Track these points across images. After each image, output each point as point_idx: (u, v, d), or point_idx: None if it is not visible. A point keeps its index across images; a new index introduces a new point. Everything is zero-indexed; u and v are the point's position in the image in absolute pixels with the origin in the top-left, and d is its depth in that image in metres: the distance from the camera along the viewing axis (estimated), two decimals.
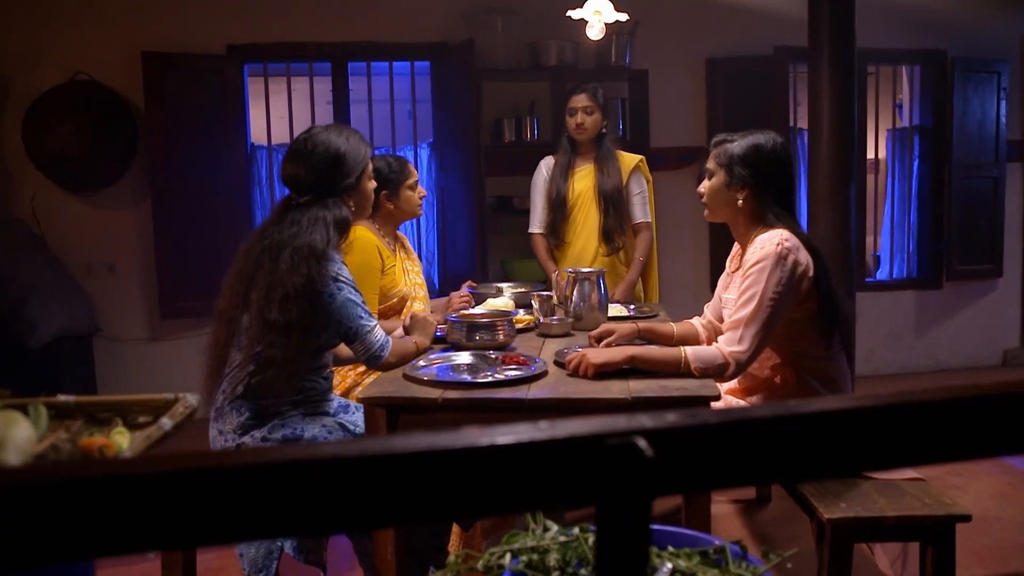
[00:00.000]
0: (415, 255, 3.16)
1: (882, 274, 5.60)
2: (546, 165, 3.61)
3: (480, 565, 1.30)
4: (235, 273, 2.14)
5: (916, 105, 5.34)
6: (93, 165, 4.44)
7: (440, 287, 4.88)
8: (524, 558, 1.29)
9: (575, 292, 2.73)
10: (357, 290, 2.14)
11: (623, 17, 2.80)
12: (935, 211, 5.28)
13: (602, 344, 2.24)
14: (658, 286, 3.69)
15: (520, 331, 2.74)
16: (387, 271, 2.83)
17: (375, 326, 2.14)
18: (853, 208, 3.49)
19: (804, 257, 2.01)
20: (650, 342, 2.37)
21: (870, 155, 5.39)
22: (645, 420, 0.66)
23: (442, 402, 1.87)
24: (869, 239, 5.68)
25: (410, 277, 2.98)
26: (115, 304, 4.66)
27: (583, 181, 3.50)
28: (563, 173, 3.52)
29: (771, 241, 2.00)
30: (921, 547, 1.94)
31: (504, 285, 3.41)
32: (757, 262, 1.99)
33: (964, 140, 5.18)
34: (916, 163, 5.33)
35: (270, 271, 2.04)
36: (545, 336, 2.64)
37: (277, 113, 4.88)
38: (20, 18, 4.47)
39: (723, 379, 2.03)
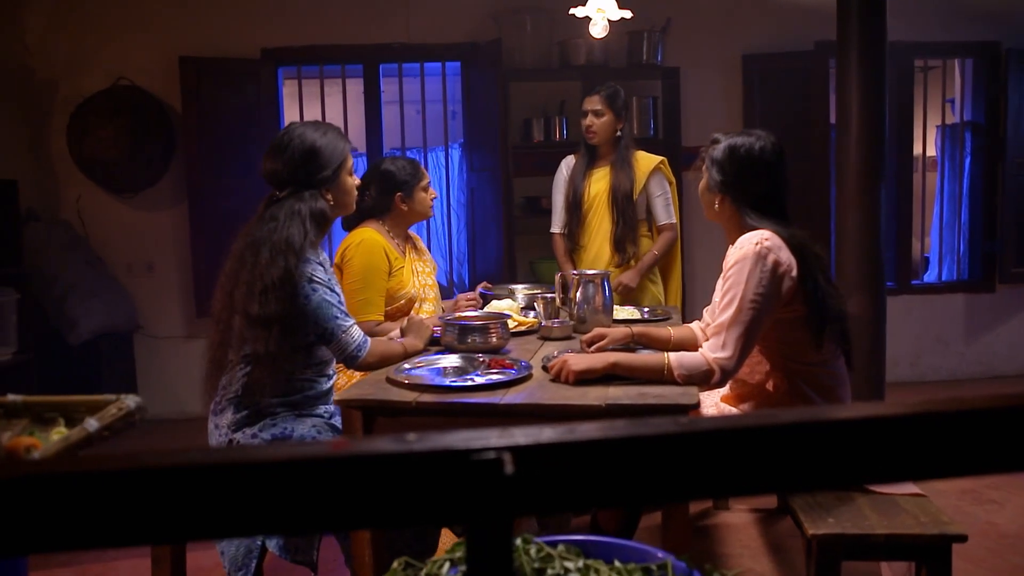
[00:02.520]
0: (428, 256, 3.16)
1: (930, 276, 5.37)
2: (566, 165, 3.58)
3: (423, 574, 1.29)
4: (224, 273, 2.18)
5: (968, 100, 5.10)
6: (132, 168, 4.58)
7: (470, 287, 4.88)
8: (464, 568, 1.27)
9: (579, 294, 2.69)
10: (333, 291, 2.15)
11: (627, 14, 2.75)
12: (988, 210, 5.03)
13: (593, 348, 2.20)
14: (680, 289, 3.61)
15: (523, 333, 2.72)
16: (395, 273, 2.84)
17: (350, 326, 2.15)
18: (884, 208, 3.34)
19: (786, 256, 1.93)
20: (646, 347, 2.32)
21: (918, 152, 5.17)
22: (519, 435, 0.63)
23: (416, 405, 1.86)
24: (917, 241, 5.46)
25: (420, 278, 2.98)
26: (154, 302, 4.80)
27: (599, 184, 3.45)
28: (581, 174, 3.48)
29: (750, 241, 1.93)
30: (916, 567, 1.84)
31: (518, 287, 3.39)
32: (735, 263, 1.93)
33: (1019, 136, 4.92)
34: (968, 160, 5.09)
35: (251, 267, 2.07)
36: (546, 339, 2.61)
37: (312, 115, 4.96)
38: (68, 26, 4.65)
39: (710, 386, 1.97)
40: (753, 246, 1.92)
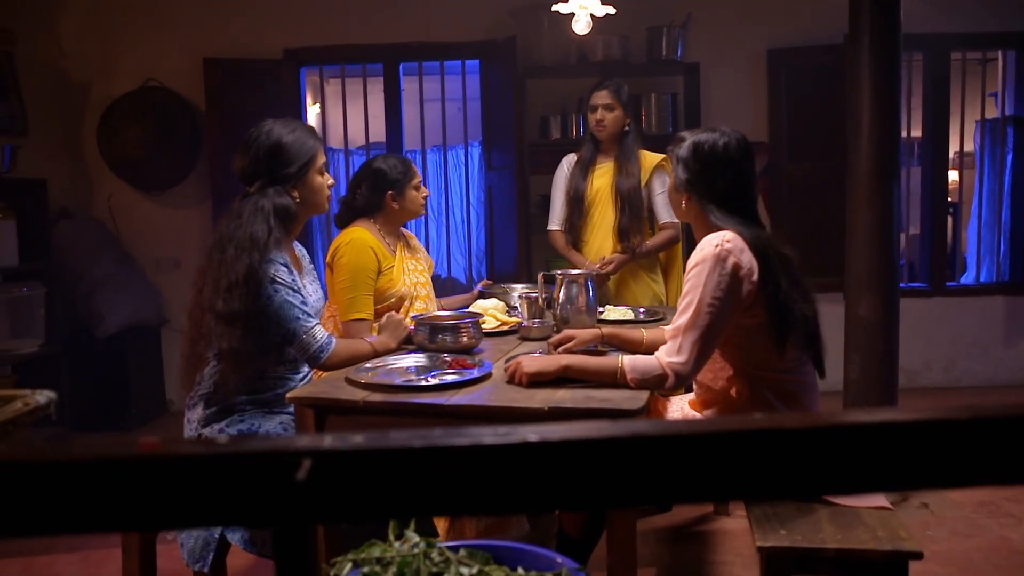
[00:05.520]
0: (422, 254, 3.17)
1: (968, 278, 5.14)
2: (568, 162, 3.55)
3: (332, 573, 1.30)
4: (198, 270, 2.23)
5: (1011, 93, 4.86)
6: (159, 166, 4.72)
7: None
8: (366, 569, 1.28)
9: (562, 294, 2.65)
10: (297, 292, 2.17)
11: (610, 10, 2.70)
12: None
13: (559, 350, 2.17)
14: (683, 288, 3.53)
15: (504, 333, 2.71)
16: (385, 271, 2.85)
17: (312, 327, 2.16)
18: (896, 207, 3.22)
19: (747, 259, 1.86)
20: (618, 348, 2.28)
21: (954, 149, 4.96)
22: (327, 440, 0.63)
23: (363, 405, 1.86)
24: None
25: (411, 277, 2.99)
26: (181, 297, 4.91)
27: (601, 179, 3.41)
28: (583, 171, 3.44)
29: (710, 243, 1.87)
30: None
31: (518, 286, 3.37)
32: (695, 265, 1.87)
33: None
34: (1010, 156, 4.85)
35: (218, 264, 2.11)
36: (525, 339, 2.59)
37: (334, 114, 5.03)
38: (100, 30, 4.81)
39: (664, 391, 1.92)
40: (713, 248, 1.87)
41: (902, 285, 4.85)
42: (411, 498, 0.65)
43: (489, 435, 0.64)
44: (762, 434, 0.61)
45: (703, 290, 1.84)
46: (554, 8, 2.79)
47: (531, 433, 0.64)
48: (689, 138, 2.03)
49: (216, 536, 2.04)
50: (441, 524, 2.59)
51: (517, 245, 4.56)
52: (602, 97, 3.35)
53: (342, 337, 2.64)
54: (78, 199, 4.84)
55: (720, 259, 1.84)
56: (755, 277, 1.86)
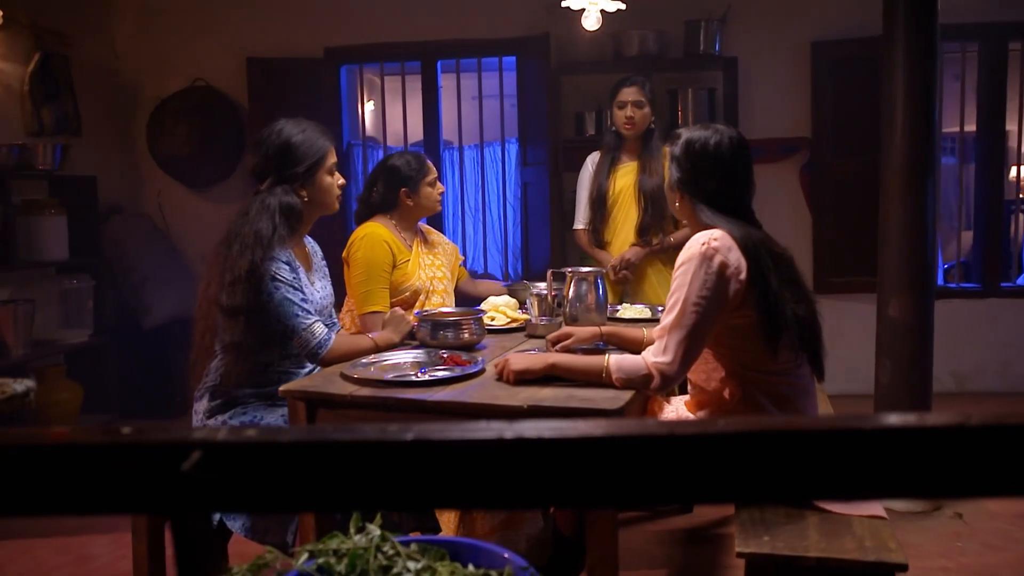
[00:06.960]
0: (441, 248, 3.19)
1: None
2: (592, 161, 3.53)
3: (292, 563, 1.33)
4: (206, 264, 2.30)
5: None
6: (205, 163, 4.88)
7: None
8: (321, 560, 1.30)
9: (571, 292, 2.64)
10: (298, 289, 2.21)
11: (621, 6, 2.66)
12: None
13: (557, 348, 2.17)
14: None
15: (513, 330, 2.71)
16: (399, 266, 2.89)
17: (311, 324, 2.20)
18: (931, 205, 3.09)
19: (735, 258, 1.82)
20: (618, 347, 2.26)
21: (1012, 144, 4.73)
22: (221, 433, 0.66)
23: (351, 399, 1.89)
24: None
25: (427, 271, 3.01)
26: None
27: (624, 179, 3.38)
28: (606, 170, 3.42)
29: (697, 241, 1.84)
30: None
31: (541, 284, 3.36)
32: (681, 264, 1.84)
33: None
34: None
35: (224, 259, 2.17)
36: (532, 337, 2.59)
37: (374, 111, 5.10)
38: (151, 32, 4.99)
39: (651, 391, 1.89)
40: (699, 247, 1.83)
41: (953, 286, 4.67)
42: (300, 492, 0.66)
43: (373, 432, 0.66)
44: (729, 438, 0.60)
45: (688, 289, 1.81)
46: (564, 4, 2.77)
47: (408, 432, 0.64)
48: (684, 136, 2.00)
49: (215, 524, 2.10)
50: (450, 522, 2.62)
51: (551, 241, 4.55)
52: (632, 93, 3.32)
53: (359, 331, 2.69)
54: (129, 195, 5.04)
55: (706, 258, 1.81)
56: (743, 276, 1.82)
